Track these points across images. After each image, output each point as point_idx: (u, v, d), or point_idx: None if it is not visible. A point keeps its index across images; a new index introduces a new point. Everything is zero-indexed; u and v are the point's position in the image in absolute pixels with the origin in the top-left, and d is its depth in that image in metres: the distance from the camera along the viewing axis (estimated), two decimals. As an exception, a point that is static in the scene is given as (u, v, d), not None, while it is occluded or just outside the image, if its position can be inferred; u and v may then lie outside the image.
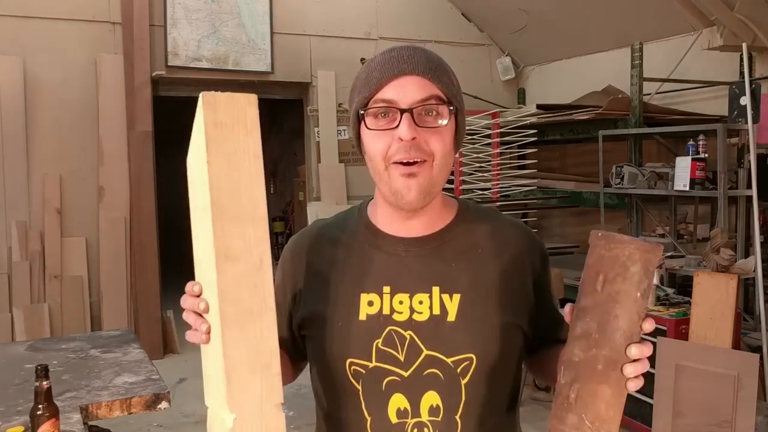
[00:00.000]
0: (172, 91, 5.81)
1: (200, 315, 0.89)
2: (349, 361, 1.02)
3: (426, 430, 1.01)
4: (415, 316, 1.02)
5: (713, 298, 3.26)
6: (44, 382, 1.49)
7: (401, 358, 1.01)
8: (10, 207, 5.17)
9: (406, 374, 1.01)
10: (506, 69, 6.78)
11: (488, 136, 4.75)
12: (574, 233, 6.22)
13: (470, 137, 4.78)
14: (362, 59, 6.19)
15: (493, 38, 6.83)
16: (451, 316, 1.02)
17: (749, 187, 3.73)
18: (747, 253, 4.09)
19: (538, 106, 5.09)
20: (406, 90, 0.99)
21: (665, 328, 3.39)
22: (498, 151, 4.78)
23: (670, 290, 3.77)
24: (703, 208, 4.95)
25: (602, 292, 0.87)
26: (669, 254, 4.30)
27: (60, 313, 5.23)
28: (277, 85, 6.11)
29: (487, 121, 4.80)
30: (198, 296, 0.90)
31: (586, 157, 5.75)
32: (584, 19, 5.63)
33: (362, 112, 1.02)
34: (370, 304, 1.03)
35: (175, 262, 4.72)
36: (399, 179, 1.00)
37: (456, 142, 1.06)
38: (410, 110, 0.99)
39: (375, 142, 1.02)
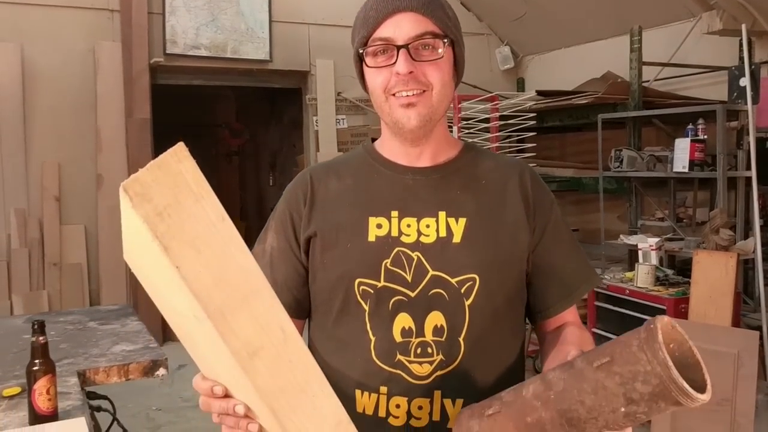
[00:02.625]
0: (170, 79, 5.80)
1: (240, 416, 0.83)
2: (358, 281, 1.04)
3: (429, 349, 1.02)
4: (422, 239, 1.05)
5: (713, 276, 3.26)
6: (40, 338, 1.48)
7: (408, 278, 1.03)
8: (8, 194, 5.16)
9: (412, 294, 1.03)
10: (505, 58, 6.77)
11: (487, 121, 4.74)
12: (574, 223, 6.21)
13: (468, 122, 4.77)
14: (361, 48, 6.19)
15: (492, 28, 6.82)
16: (457, 238, 1.04)
17: (748, 168, 3.72)
18: (746, 237, 4.08)
19: (538, 92, 5.08)
20: (402, 26, 1.02)
21: (664, 307, 3.39)
22: (496, 135, 4.76)
23: (669, 271, 3.76)
24: (702, 194, 4.94)
25: (594, 370, 0.76)
26: (668, 236, 4.29)
27: (59, 300, 5.22)
28: (275, 73, 6.10)
29: (484, 106, 4.78)
30: (223, 397, 0.84)
31: (585, 146, 5.75)
32: (583, 6, 5.62)
33: (362, 51, 1.06)
34: (379, 227, 1.06)
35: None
36: (399, 110, 1.04)
37: (456, 73, 1.10)
38: (406, 46, 1.02)
39: (375, 77, 1.06)
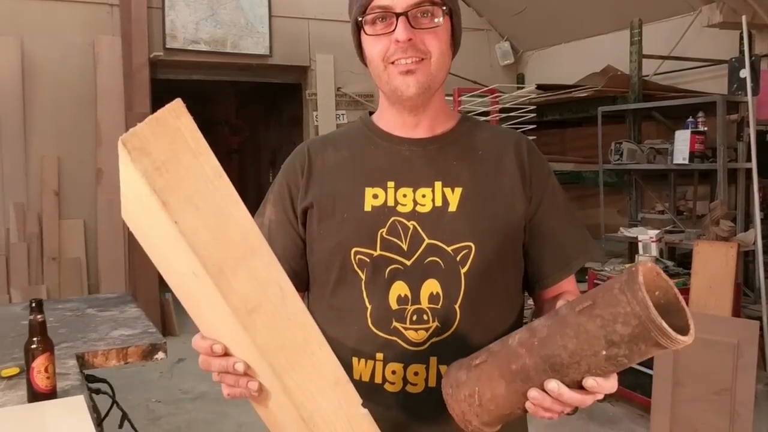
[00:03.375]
0: (170, 74, 5.80)
1: (239, 374, 0.84)
2: (354, 250, 1.04)
3: (425, 316, 1.02)
4: (419, 208, 1.05)
5: (713, 266, 3.25)
6: (38, 316, 1.48)
7: (404, 247, 1.04)
8: (7, 188, 5.16)
9: (408, 263, 1.03)
10: (505, 54, 6.77)
11: (486, 114, 4.73)
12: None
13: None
14: (361, 43, 6.19)
15: (492, 23, 6.82)
16: (453, 207, 1.05)
17: (749, 160, 3.72)
18: (747, 230, 4.08)
19: (538, 86, 5.08)
20: None
21: (665, 298, 3.38)
22: (497, 128, 4.75)
23: (669, 263, 3.76)
24: (702, 189, 4.94)
25: (577, 314, 0.76)
26: (668, 228, 4.29)
27: (58, 294, 5.21)
28: (275, 68, 6.09)
29: (483, 99, 4.78)
30: (223, 355, 0.84)
31: (585, 141, 5.74)
32: (583, 1, 5.62)
33: (360, 19, 1.06)
34: (375, 197, 1.06)
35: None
36: (397, 77, 1.04)
37: (453, 42, 1.09)
38: (405, 13, 1.02)
39: (374, 45, 1.05)
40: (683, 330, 0.73)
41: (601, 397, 0.80)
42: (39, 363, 1.47)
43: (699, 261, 3.28)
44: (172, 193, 0.70)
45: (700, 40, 4.90)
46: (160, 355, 1.93)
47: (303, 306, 0.82)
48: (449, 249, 1.03)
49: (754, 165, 3.60)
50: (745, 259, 4.12)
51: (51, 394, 1.50)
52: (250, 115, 9.33)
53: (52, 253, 5.25)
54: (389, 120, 1.12)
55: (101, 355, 1.89)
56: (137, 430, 1.96)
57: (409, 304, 1.03)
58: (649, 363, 3.42)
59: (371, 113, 1.18)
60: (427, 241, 1.04)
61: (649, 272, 0.76)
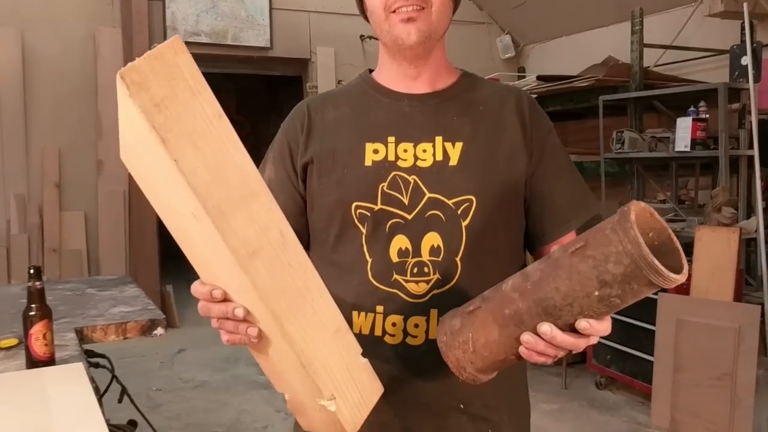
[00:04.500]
0: (171, 66, 5.79)
1: (239, 320, 0.82)
2: (355, 204, 1.04)
3: (426, 269, 1.02)
4: (419, 163, 1.05)
5: (715, 252, 3.24)
6: (37, 283, 1.47)
7: (405, 201, 1.03)
8: (8, 180, 5.16)
9: (409, 217, 1.03)
10: (506, 47, 6.76)
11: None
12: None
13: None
14: (362, 36, 6.19)
15: (492, 16, 6.81)
16: (453, 161, 1.04)
17: (751, 148, 3.71)
18: (749, 218, 4.07)
19: (539, 77, 5.07)
20: None
21: (666, 284, 3.37)
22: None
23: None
24: (704, 180, 4.92)
25: (569, 256, 0.75)
26: (669, 217, 4.28)
27: (59, 286, 5.21)
28: (276, 61, 6.09)
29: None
30: (222, 301, 0.83)
31: (586, 133, 5.72)
32: (584, -7, 5.61)
33: None
34: (376, 152, 1.06)
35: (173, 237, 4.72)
36: (398, 25, 1.03)
37: None
38: None
39: None
40: (677, 270, 0.72)
41: (594, 340, 0.80)
42: (37, 330, 1.47)
43: (701, 247, 3.27)
44: (170, 130, 0.69)
45: (702, 30, 4.89)
46: (159, 330, 1.93)
47: (304, 253, 0.81)
48: (450, 202, 1.03)
49: (756, 152, 3.58)
50: (747, 248, 4.11)
51: (49, 362, 1.49)
52: (251, 111, 9.32)
53: (53, 245, 5.25)
54: (389, 75, 1.11)
55: (100, 330, 1.88)
56: (136, 405, 1.95)
57: (410, 257, 1.02)
58: (650, 349, 3.42)
59: (371, 71, 1.17)
60: (428, 194, 1.03)
61: (642, 212, 0.75)
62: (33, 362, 1.48)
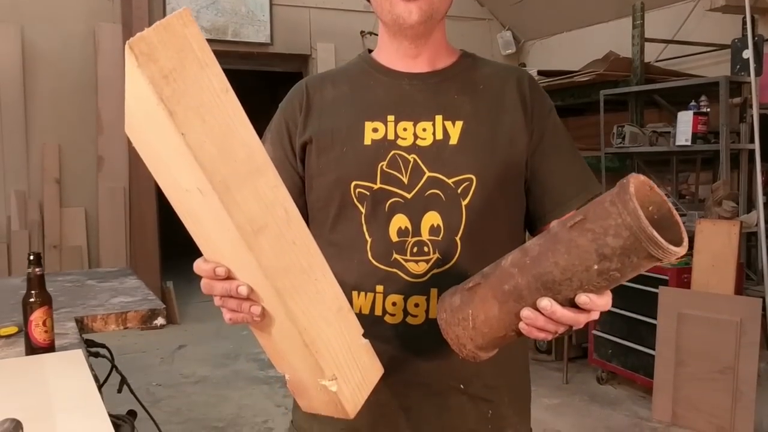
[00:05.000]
0: (171, 62, 5.78)
1: (242, 298, 0.81)
2: (354, 183, 1.03)
3: (426, 248, 1.01)
4: (419, 142, 1.04)
5: (715, 245, 3.23)
6: (37, 269, 1.47)
7: (405, 180, 1.02)
8: (8, 176, 5.16)
9: (409, 196, 1.02)
10: (507, 44, 6.76)
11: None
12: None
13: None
14: (362, 32, 6.18)
15: (493, 13, 6.81)
16: (453, 140, 1.03)
17: (752, 142, 3.70)
18: (749, 212, 4.06)
19: (540, 72, 5.06)
20: None
21: (667, 277, 3.36)
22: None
23: (672, 244, 3.73)
24: (705, 175, 4.91)
25: (568, 230, 0.74)
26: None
27: (59, 282, 5.21)
28: (276, 57, 6.09)
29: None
30: (225, 279, 0.81)
31: (587, 129, 5.71)
32: (585, -12, 5.60)
33: None
34: (375, 131, 1.05)
35: (174, 232, 4.72)
36: (399, 4, 1.02)
37: None
38: None
39: None
40: (677, 243, 0.71)
41: (595, 316, 0.79)
42: (37, 316, 1.46)
43: (701, 240, 3.27)
44: (178, 103, 0.68)
45: (703, 25, 4.88)
46: (160, 320, 1.92)
47: (308, 231, 0.81)
48: (450, 181, 1.02)
49: (757, 146, 3.58)
50: (748, 243, 4.10)
51: (49, 348, 1.49)
52: (251, 109, 9.23)
53: (54, 241, 5.25)
54: (389, 54, 1.11)
55: (100, 320, 1.88)
56: (136, 395, 1.95)
57: (410, 236, 1.02)
58: (651, 343, 3.41)
59: (370, 51, 1.17)
60: (427, 173, 1.02)
61: (641, 185, 0.74)
62: (33, 349, 1.47)
